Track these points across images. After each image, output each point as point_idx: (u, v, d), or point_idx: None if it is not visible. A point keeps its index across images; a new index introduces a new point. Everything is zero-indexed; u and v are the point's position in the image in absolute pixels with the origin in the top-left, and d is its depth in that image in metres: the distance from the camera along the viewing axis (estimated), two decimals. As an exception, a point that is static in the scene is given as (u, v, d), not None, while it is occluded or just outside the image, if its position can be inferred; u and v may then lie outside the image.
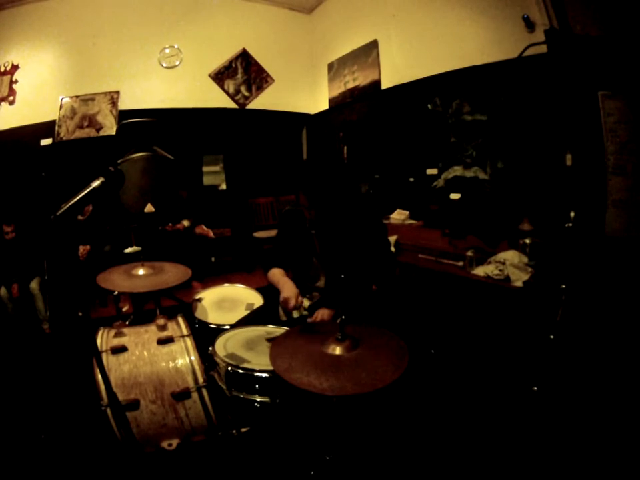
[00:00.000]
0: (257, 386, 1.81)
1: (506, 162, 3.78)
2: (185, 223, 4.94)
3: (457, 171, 4.21)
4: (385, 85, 4.92)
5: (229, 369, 1.81)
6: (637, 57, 2.42)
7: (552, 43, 3.01)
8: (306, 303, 2.39)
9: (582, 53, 2.70)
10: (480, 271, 3.38)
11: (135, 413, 1.78)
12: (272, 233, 5.57)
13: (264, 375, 1.79)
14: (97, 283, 2.30)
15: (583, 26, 2.76)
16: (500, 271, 3.27)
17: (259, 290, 2.82)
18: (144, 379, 1.82)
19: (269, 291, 2.59)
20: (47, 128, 5.00)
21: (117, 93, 5.12)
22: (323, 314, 2.17)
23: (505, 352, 2.82)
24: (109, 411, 1.72)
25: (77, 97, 5.06)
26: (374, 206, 2.61)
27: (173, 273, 2.44)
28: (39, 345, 3.74)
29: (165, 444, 1.82)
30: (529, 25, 3.33)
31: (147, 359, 1.89)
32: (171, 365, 1.89)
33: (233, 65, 5.66)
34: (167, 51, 5.37)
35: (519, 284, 3.11)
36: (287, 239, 2.52)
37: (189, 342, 2.00)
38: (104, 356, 1.86)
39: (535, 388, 2.50)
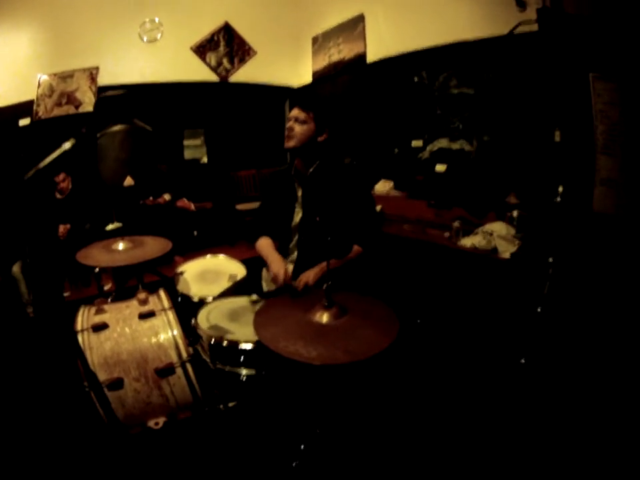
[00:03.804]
0: (241, 358, 1.75)
1: (492, 136, 3.77)
2: (166, 196, 4.87)
3: (442, 143, 4.21)
4: (370, 59, 4.83)
5: (212, 341, 1.75)
6: (629, 39, 2.40)
7: (543, 21, 2.98)
8: (289, 269, 2.33)
9: (574, 32, 2.68)
10: (467, 241, 3.41)
11: (119, 392, 1.72)
12: (254, 205, 5.50)
13: (249, 346, 1.73)
14: (77, 261, 2.22)
15: (576, 5, 2.73)
16: (487, 242, 3.29)
17: (242, 262, 2.76)
18: (126, 356, 1.76)
19: (252, 262, 2.54)
20: (26, 108, 4.81)
21: (96, 68, 4.93)
22: (307, 276, 2.07)
23: (492, 323, 2.81)
24: (92, 392, 1.66)
25: (55, 74, 4.86)
26: (360, 173, 2.47)
27: (153, 246, 2.36)
28: (24, 329, 3.65)
29: (151, 423, 1.77)
30: (520, 2, 3.29)
31: (128, 335, 1.82)
32: (154, 340, 1.83)
33: (215, 38, 5.50)
34: (148, 24, 5.18)
35: (506, 255, 3.13)
36: (271, 202, 2.41)
37: (170, 315, 1.93)
38: (85, 334, 1.79)
39: (523, 360, 2.51)
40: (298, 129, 2.15)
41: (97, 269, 3.01)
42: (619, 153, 2.53)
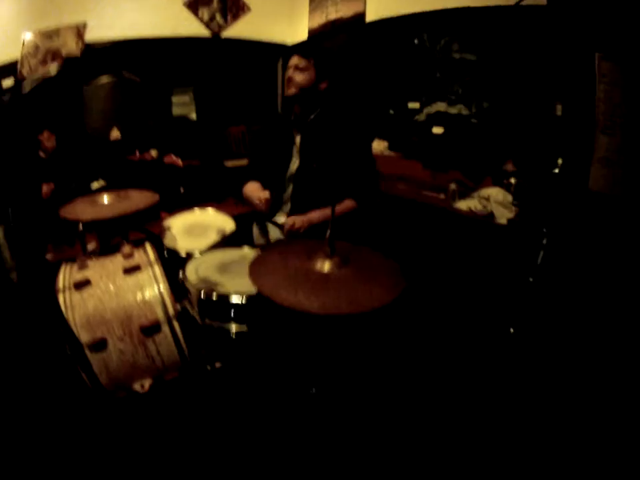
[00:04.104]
0: (232, 313, 1.65)
1: (492, 103, 3.69)
2: (153, 152, 4.72)
3: (440, 106, 4.11)
4: (370, 18, 4.63)
5: (202, 294, 1.65)
6: (636, 20, 2.34)
7: None
8: (282, 218, 2.24)
9: (582, 9, 2.62)
10: (463, 204, 3.37)
11: (102, 353, 1.62)
12: (244, 161, 5.29)
13: (241, 299, 1.63)
14: (60, 219, 2.11)
15: None
16: (484, 206, 3.26)
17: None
18: (110, 314, 1.65)
19: (241, 218, 2.49)
20: (9, 69, 4.52)
21: (84, 24, 4.65)
22: (294, 220, 2.02)
23: (484, 288, 2.80)
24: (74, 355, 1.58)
25: (40, 32, 4.57)
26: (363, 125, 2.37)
27: (139, 198, 2.24)
28: (8, 296, 3.53)
29: (137, 386, 1.68)
30: None
31: (112, 292, 1.71)
32: (139, 296, 1.72)
33: None
34: (138, -24, 4.90)
35: (502, 221, 3.09)
36: (266, 149, 2.33)
37: (157, 269, 1.81)
38: (66, 293, 1.68)
39: (512, 330, 2.52)
40: (298, 77, 2.06)
41: (81, 227, 2.90)
42: (618, 134, 2.50)
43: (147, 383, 1.69)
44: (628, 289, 2.30)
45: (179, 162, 4.95)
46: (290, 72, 2.07)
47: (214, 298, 1.66)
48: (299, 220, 2.01)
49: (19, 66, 4.53)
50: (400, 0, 4.28)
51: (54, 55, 4.52)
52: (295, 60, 2.07)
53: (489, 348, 2.47)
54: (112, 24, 4.73)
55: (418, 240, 3.22)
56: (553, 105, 3.05)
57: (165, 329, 1.69)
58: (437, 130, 4.07)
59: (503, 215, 3.13)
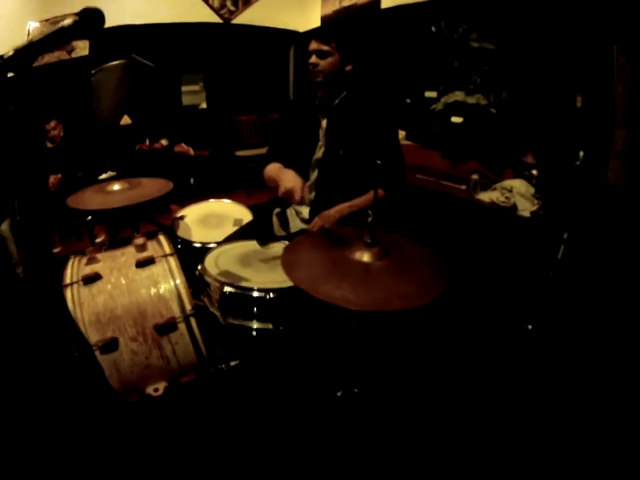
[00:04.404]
0: (255, 309, 1.52)
1: (511, 93, 3.60)
2: (163, 142, 4.58)
3: (458, 95, 4.00)
4: (386, 4, 4.51)
5: (226, 289, 1.51)
6: None
7: None
8: (305, 211, 2.11)
9: (605, 2, 2.64)
10: (485, 196, 3.30)
11: (113, 354, 1.50)
12: (255, 151, 5.37)
13: (269, 294, 1.49)
14: (68, 211, 2.00)
15: None
16: (506, 198, 3.19)
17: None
18: (122, 311, 1.53)
19: (259, 207, 2.38)
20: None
21: None
22: (325, 217, 1.87)
23: (504, 281, 2.75)
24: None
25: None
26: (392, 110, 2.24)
27: (151, 186, 2.11)
28: (14, 291, 3.42)
29: (150, 389, 1.56)
30: None
31: (124, 287, 1.59)
32: (153, 291, 1.60)
33: None
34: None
35: (526, 214, 3.03)
36: (289, 134, 2.18)
37: (172, 262, 1.68)
38: (74, 288, 1.55)
39: (530, 326, 2.49)
40: (322, 62, 1.92)
41: (89, 217, 2.78)
42: (636, 128, 2.51)
43: (162, 386, 1.58)
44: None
45: (191, 151, 4.82)
46: (313, 58, 1.93)
47: (239, 292, 1.52)
48: (326, 219, 1.88)
49: (24, 55, 4.44)
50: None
51: None
52: (314, 45, 1.93)
53: (506, 345, 2.38)
54: (121, 10, 4.61)
55: (439, 231, 3.10)
56: (573, 97, 3.02)
57: (182, 327, 1.57)
58: (456, 119, 3.97)
59: (526, 208, 3.07)
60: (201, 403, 1.74)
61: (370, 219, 1.25)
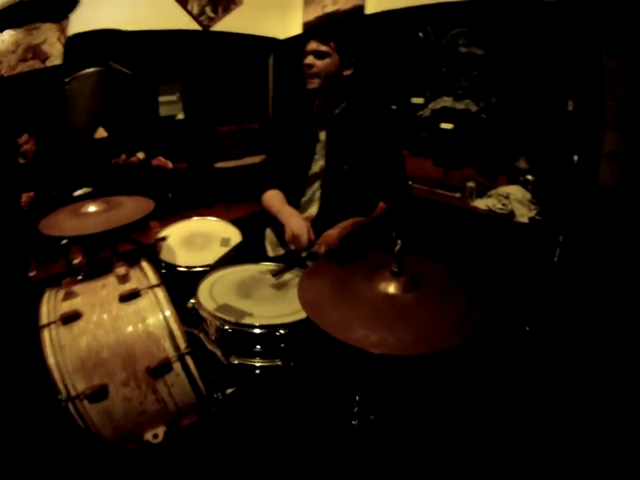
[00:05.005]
0: (262, 347, 1.35)
1: (501, 98, 3.59)
2: (140, 155, 4.38)
3: (446, 101, 3.95)
4: (370, 10, 4.43)
5: (227, 327, 1.34)
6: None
7: None
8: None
9: (592, 6, 2.68)
10: (481, 203, 3.30)
11: (104, 403, 1.31)
12: (235, 163, 5.26)
13: (279, 330, 1.32)
14: (41, 233, 1.81)
15: None
16: (503, 205, 3.18)
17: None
18: (108, 354, 1.34)
19: (247, 223, 2.26)
20: None
21: (67, 18, 4.30)
22: (330, 237, 1.73)
23: (504, 286, 2.76)
24: (71, 406, 1.27)
25: (20, 27, 4.19)
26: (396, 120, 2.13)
27: (131, 206, 1.94)
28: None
29: (148, 436, 1.37)
30: None
31: (108, 326, 1.39)
32: (141, 328, 1.40)
33: None
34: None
35: (524, 220, 3.04)
36: (284, 148, 2.03)
37: (160, 294, 1.49)
38: (53, 330, 1.36)
39: (528, 328, 2.53)
40: (319, 63, 1.77)
41: (65, 241, 2.58)
42: (625, 129, 2.57)
43: (161, 432, 1.39)
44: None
45: (169, 164, 4.64)
46: (309, 58, 1.78)
47: (244, 331, 1.34)
48: (332, 238, 1.73)
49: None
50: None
51: (35, 51, 4.20)
52: (313, 45, 1.78)
53: (504, 345, 2.39)
54: (97, 17, 4.39)
55: (436, 241, 3.04)
56: (564, 101, 3.05)
57: (177, 367, 1.38)
58: (446, 126, 3.90)
59: (524, 214, 3.08)
60: (206, 444, 1.58)
61: (398, 246, 1.08)
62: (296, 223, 1.71)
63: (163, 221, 2.57)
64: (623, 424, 1.88)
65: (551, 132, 3.16)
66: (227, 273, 1.77)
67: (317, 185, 1.95)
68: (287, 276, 1.71)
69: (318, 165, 1.91)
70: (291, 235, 1.70)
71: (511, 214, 3.08)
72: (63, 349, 1.31)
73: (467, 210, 3.25)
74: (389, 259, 1.12)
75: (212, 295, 1.55)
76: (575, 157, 2.83)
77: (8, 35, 4.11)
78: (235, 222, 2.35)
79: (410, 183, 2.06)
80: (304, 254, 1.76)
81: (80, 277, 2.30)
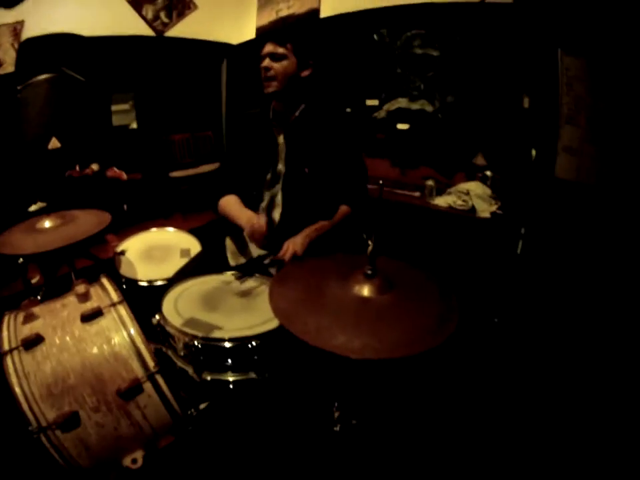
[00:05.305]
0: (233, 361, 1.30)
1: (457, 97, 3.65)
2: (94, 166, 4.29)
3: (401, 102, 4.01)
4: (325, 13, 4.43)
5: (196, 342, 1.29)
6: (600, 13, 2.44)
7: None
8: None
9: (547, 7, 2.74)
10: (441, 201, 3.33)
11: (77, 431, 1.24)
12: (190, 171, 5.18)
13: (252, 343, 1.29)
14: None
15: None
16: (464, 201, 3.21)
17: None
18: (75, 379, 1.27)
19: (205, 232, 2.22)
20: None
21: (21, 23, 4.15)
22: (294, 244, 1.69)
23: (469, 281, 2.75)
24: (43, 437, 1.19)
25: None
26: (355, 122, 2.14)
27: (87, 220, 1.88)
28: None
29: (127, 461, 1.31)
30: None
31: (72, 349, 1.32)
32: (106, 349, 1.33)
33: None
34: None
35: (485, 215, 3.08)
36: (240, 153, 2.01)
37: (122, 311, 1.42)
38: (15, 356, 1.28)
39: (496, 320, 2.62)
40: (277, 66, 1.74)
41: (21, 260, 2.47)
42: (582, 124, 2.61)
43: (139, 456, 1.33)
44: (601, 272, 2.39)
45: (123, 175, 4.54)
46: (266, 61, 1.75)
47: (216, 345, 1.30)
48: (297, 245, 1.69)
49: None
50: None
51: None
52: (269, 47, 1.75)
53: (475, 337, 2.40)
54: (51, 24, 4.25)
55: (400, 241, 3.07)
56: (520, 98, 3.12)
57: (148, 387, 1.32)
58: (402, 126, 3.95)
59: (485, 209, 3.12)
60: (187, 462, 1.53)
61: (370, 247, 1.06)
62: (254, 217, 1.73)
63: (120, 234, 2.48)
64: (594, 413, 1.92)
65: (508, 128, 3.23)
66: (190, 285, 1.73)
67: (277, 189, 1.92)
68: (252, 283, 1.68)
69: (277, 168, 1.89)
70: (250, 230, 1.69)
71: (472, 210, 3.12)
72: (27, 377, 1.24)
73: (427, 208, 3.28)
74: (359, 261, 1.10)
75: (177, 310, 1.50)
76: (533, 152, 2.88)
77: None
78: (193, 231, 2.29)
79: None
80: (267, 261, 1.73)
81: (39, 297, 2.22)
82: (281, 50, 1.73)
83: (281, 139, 1.88)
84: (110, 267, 2.04)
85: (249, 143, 1.97)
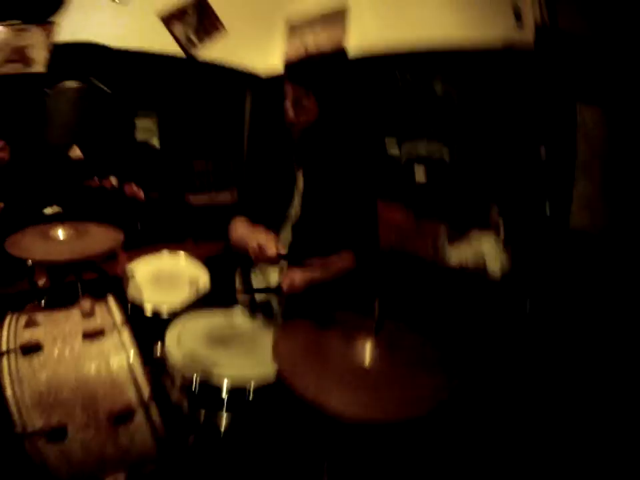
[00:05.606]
0: (226, 404, 1.31)
1: (475, 145, 3.54)
2: (113, 180, 4.28)
3: (420, 147, 3.91)
4: (353, 55, 4.31)
5: (193, 385, 1.29)
6: (620, 64, 2.43)
7: (540, 42, 2.91)
8: (273, 277, 1.93)
9: (567, 54, 2.71)
10: (453, 256, 3.28)
11: (62, 444, 1.24)
12: (207, 199, 5.19)
13: (250, 388, 1.29)
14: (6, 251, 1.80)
15: (570, 22, 2.73)
16: (477, 258, 3.16)
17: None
18: (69, 393, 1.28)
19: (216, 263, 2.24)
20: None
21: (52, 24, 4.07)
22: (293, 277, 1.69)
23: (478, 342, 2.75)
24: (27, 443, 1.21)
25: (11, 24, 4.02)
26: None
27: (100, 237, 1.95)
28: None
29: (108, 480, 1.30)
30: (517, 15, 3.07)
31: (70, 363, 1.34)
32: (104, 370, 1.35)
33: (188, 10, 4.80)
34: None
35: (497, 274, 3.01)
36: (259, 186, 2.01)
37: (124, 335, 1.44)
38: (12, 359, 1.30)
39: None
40: (301, 115, 1.78)
41: (30, 262, 2.50)
42: (597, 177, 2.58)
43: (122, 478, 1.33)
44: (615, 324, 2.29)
45: (141, 194, 4.51)
46: (290, 113, 1.76)
47: (212, 382, 1.30)
48: (299, 278, 1.68)
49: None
50: (383, 37, 4.03)
51: (20, 53, 4.04)
52: (293, 92, 1.76)
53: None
54: (83, 27, 4.25)
55: (407, 292, 3.11)
56: (536, 149, 3.00)
57: (140, 416, 1.32)
58: (420, 177, 3.85)
59: (497, 268, 3.05)
60: None
61: (377, 309, 1.06)
62: (262, 235, 1.68)
63: (130, 253, 2.49)
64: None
65: (521, 179, 3.14)
66: (196, 319, 1.73)
67: (287, 229, 1.92)
68: (258, 324, 1.68)
69: (295, 209, 1.90)
70: (256, 246, 1.64)
71: (483, 266, 3.08)
72: (22, 382, 1.25)
73: (438, 264, 3.25)
74: (366, 322, 1.10)
75: (179, 344, 1.51)
76: (548, 205, 2.81)
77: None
78: (204, 260, 2.30)
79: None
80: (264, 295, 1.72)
81: (42, 302, 2.28)
82: (305, 101, 1.75)
83: (300, 182, 1.90)
84: (117, 284, 2.07)
85: (270, 180, 1.97)
